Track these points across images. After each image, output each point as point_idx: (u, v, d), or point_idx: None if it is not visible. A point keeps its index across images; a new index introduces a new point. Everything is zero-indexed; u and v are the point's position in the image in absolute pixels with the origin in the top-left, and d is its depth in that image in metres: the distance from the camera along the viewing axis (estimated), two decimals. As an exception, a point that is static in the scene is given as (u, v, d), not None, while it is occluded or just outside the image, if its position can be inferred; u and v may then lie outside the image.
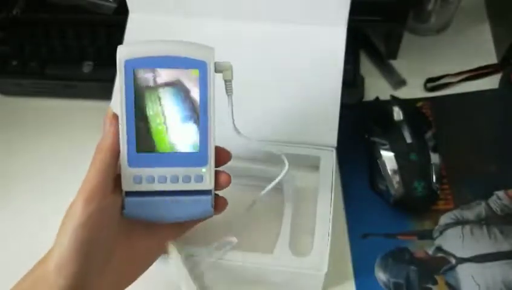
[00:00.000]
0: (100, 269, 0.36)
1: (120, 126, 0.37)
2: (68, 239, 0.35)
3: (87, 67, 0.59)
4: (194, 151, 0.38)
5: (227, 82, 0.38)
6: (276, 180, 0.39)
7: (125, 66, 0.36)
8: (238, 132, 0.38)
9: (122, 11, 0.54)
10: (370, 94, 0.59)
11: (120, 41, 0.53)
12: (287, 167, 0.39)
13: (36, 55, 0.60)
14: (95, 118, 0.52)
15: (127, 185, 0.38)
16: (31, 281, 0.35)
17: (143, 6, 0.53)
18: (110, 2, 0.62)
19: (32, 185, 0.54)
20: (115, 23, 0.59)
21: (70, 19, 0.62)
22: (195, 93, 0.37)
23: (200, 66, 0.37)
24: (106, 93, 0.52)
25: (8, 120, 0.60)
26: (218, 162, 0.39)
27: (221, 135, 0.38)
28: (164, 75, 0.37)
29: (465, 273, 0.47)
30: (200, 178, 0.38)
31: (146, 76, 0.37)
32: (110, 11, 0.62)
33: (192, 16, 0.53)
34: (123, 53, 0.36)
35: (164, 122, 0.37)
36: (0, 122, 0.60)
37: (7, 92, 0.62)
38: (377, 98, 0.58)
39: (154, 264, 0.41)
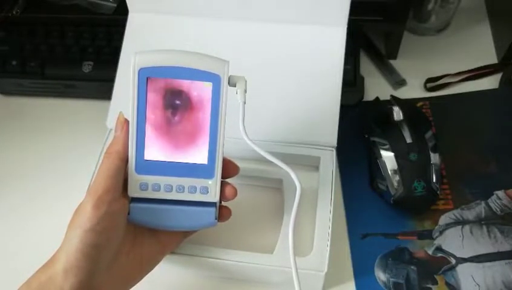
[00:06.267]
0: (106, 272, 0.37)
1: (130, 132, 0.37)
2: (76, 243, 0.35)
3: (87, 67, 0.59)
4: (202, 163, 0.38)
5: (241, 93, 0.38)
6: (295, 206, 0.39)
7: (139, 74, 0.36)
8: (249, 139, 0.38)
9: (122, 11, 0.54)
10: (370, 94, 0.59)
11: (120, 42, 0.53)
12: (299, 188, 0.39)
13: (36, 55, 0.60)
14: (95, 117, 0.52)
15: (133, 191, 0.38)
16: (37, 284, 0.35)
17: (143, 6, 0.53)
18: (110, 2, 0.62)
19: (32, 184, 0.54)
20: (115, 23, 0.59)
21: (70, 19, 0.62)
22: (207, 106, 0.37)
23: (213, 79, 0.37)
24: (105, 93, 0.52)
25: (8, 120, 0.60)
26: (225, 175, 0.39)
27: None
28: (178, 85, 0.37)
29: (465, 273, 0.47)
30: (205, 190, 0.39)
31: (159, 85, 0.37)
32: (110, 11, 0.62)
33: (191, 16, 0.53)
34: (138, 61, 0.36)
35: (174, 132, 0.38)
36: (0, 122, 0.60)
37: (7, 92, 0.62)
38: (377, 98, 0.58)
39: (157, 265, 0.41)
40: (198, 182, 0.38)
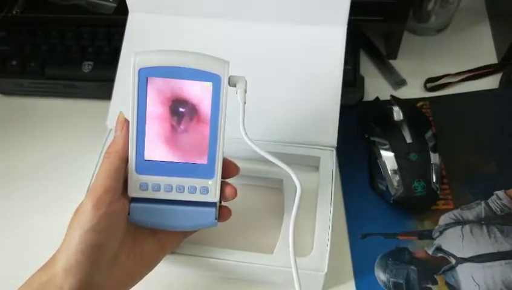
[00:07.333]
0: (106, 271, 0.37)
1: (130, 132, 0.37)
2: (76, 243, 0.35)
3: (87, 67, 0.59)
4: (202, 163, 0.38)
5: (241, 93, 0.38)
6: (295, 206, 0.39)
7: (139, 74, 0.36)
8: (249, 139, 0.38)
9: (122, 11, 0.54)
10: (370, 94, 0.59)
11: (120, 42, 0.53)
12: (299, 188, 0.39)
13: (36, 55, 0.60)
14: (95, 118, 0.52)
15: (133, 191, 0.39)
16: (37, 284, 0.35)
17: (143, 6, 0.53)
18: (110, 2, 0.62)
19: (32, 184, 0.54)
20: (115, 23, 0.59)
21: (70, 19, 0.62)
22: (207, 106, 0.37)
23: (213, 79, 0.37)
24: (105, 93, 0.52)
25: (8, 120, 0.60)
26: (225, 175, 0.39)
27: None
28: (178, 85, 0.37)
29: (465, 273, 0.47)
30: (205, 190, 0.39)
31: (159, 85, 0.37)
32: (110, 11, 0.62)
33: (191, 16, 0.53)
34: (138, 61, 0.36)
35: (174, 132, 0.38)
36: (0, 122, 0.60)
37: (7, 92, 0.62)
38: (377, 98, 0.58)
39: (157, 265, 0.41)
40: (198, 182, 0.38)
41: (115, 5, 0.62)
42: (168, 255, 0.42)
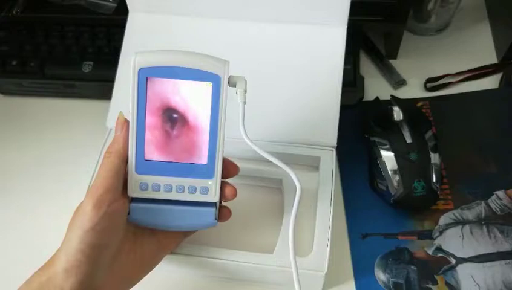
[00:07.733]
0: (106, 272, 0.37)
1: (129, 132, 0.37)
2: (76, 243, 0.35)
3: (87, 67, 0.59)
4: (202, 163, 0.38)
5: (241, 93, 0.38)
6: (295, 206, 0.39)
7: (139, 74, 0.36)
8: (249, 139, 0.38)
9: (122, 11, 0.54)
10: (370, 94, 0.59)
11: (120, 42, 0.53)
12: (299, 188, 0.39)
13: (36, 55, 0.60)
14: (95, 118, 0.52)
15: (133, 191, 0.39)
16: (37, 284, 0.35)
17: (143, 6, 0.53)
18: (110, 2, 0.62)
19: (32, 184, 0.54)
20: (115, 23, 0.59)
21: (70, 19, 0.62)
22: (207, 106, 0.37)
23: (213, 79, 0.37)
24: (105, 93, 0.52)
25: (8, 120, 0.60)
26: (225, 175, 0.39)
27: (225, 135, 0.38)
28: (177, 85, 0.37)
29: (465, 273, 0.47)
30: (205, 190, 0.39)
31: (159, 85, 0.37)
32: (110, 11, 0.62)
33: (191, 16, 0.53)
34: (138, 60, 0.36)
35: (174, 132, 0.38)
36: (0, 122, 0.60)
37: (7, 92, 0.62)
38: (377, 98, 0.58)
39: (157, 265, 0.42)
40: (198, 182, 0.38)
41: (115, 5, 0.62)
42: (168, 255, 0.42)
